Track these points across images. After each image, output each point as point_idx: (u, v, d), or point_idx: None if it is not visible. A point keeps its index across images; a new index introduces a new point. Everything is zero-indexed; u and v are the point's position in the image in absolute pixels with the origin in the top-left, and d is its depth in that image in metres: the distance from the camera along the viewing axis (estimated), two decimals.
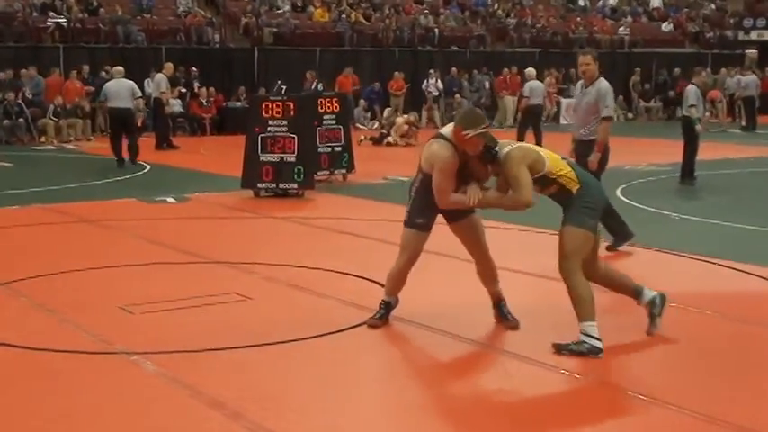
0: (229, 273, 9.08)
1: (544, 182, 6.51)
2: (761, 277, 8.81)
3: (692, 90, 16.05)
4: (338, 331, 6.96)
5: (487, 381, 6.23)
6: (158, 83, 22.40)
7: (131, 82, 19.28)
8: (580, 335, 6.40)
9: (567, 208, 6.54)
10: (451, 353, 6.62)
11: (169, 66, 23.85)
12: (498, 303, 7.17)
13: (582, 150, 9.89)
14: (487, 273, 7.09)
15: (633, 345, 6.70)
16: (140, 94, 20.02)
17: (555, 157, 6.65)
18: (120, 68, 19.73)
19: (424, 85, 30.45)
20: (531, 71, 22.14)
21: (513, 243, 9.98)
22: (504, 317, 7.14)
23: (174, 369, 6.11)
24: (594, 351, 6.34)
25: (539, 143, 20.08)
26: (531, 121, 21.09)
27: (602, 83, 9.97)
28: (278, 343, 6.67)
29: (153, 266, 9.31)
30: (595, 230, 6.67)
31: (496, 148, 6.48)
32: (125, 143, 18.79)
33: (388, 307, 7.11)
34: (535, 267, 8.72)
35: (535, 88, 21.31)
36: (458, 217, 6.92)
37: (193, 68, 27.37)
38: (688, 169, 15.95)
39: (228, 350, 6.51)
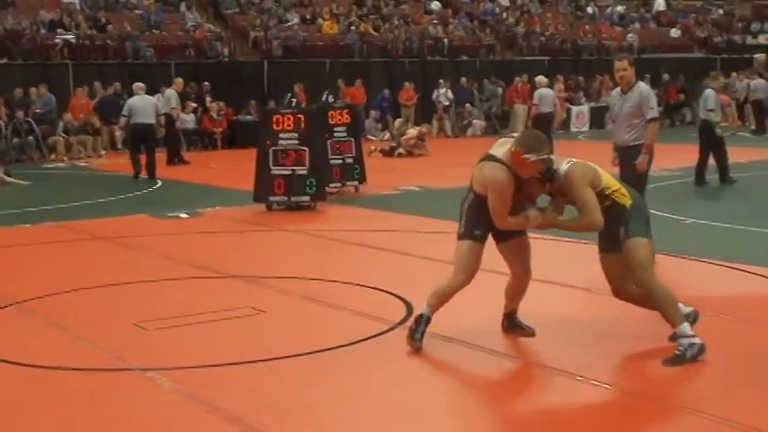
0: (243, 287, 9.05)
1: (599, 198, 6.49)
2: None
3: (710, 94, 16.19)
4: (354, 343, 6.92)
5: (509, 392, 6.18)
6: (168, 98, 22.39)
7: (154, 98, 19.80)
8: (681, 339, 6.37)
9: (624, 222, 6.51)
10: (470, 363, 6.57)
11: (179, 81, 23.89)
12: (514, 315, 7.13)
13: (628, 155, 9.80)
14: (520, 290, 7.03)
15: (654, 352, 6.63)
16: (162, 111, 20.21)
17: (605, 172, 6.67)
18: (141, 85, 19.85)
19: (434, 95, 30.44)
20: (541, 79, 22.13)
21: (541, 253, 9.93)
22: (519, 326, 7.10)
23: (190, 385, 6.08)
24: (702, 349, 6.35)
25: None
26: (542, 128, 21.05)
27: (642, 85, 9.99)
28: (293, 356, 6.63)
29: (166, 282, 9.29)
30: (652, 239, 6.70)
31: (555, 168, 6.44)
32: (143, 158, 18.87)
33: (427, 322, 6.75)
34: (561, 277, 8.66)
35: (545, 96, 21.30)
36: (509, 237, 6.78)
37: (205, 83, 27.40)
38: (722, 172, 16.21)
39: (244, 365, 6.48)
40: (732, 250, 10.20)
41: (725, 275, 9.22)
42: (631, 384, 6.12)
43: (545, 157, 6.36)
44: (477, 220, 6.63)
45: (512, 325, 7.12)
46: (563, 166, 6.47)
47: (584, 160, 6.66)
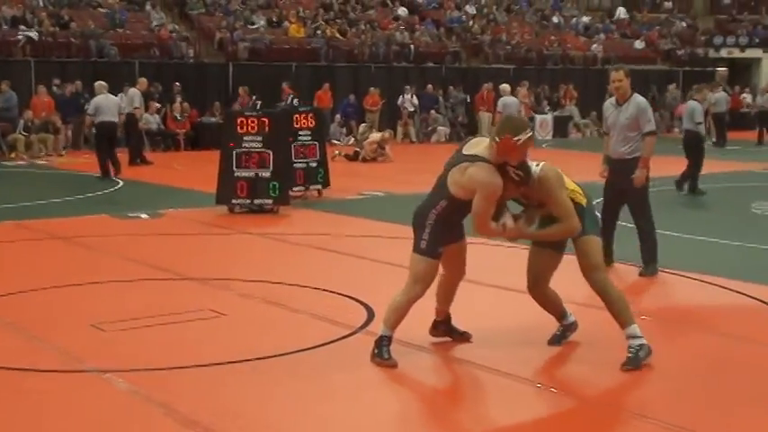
0: (204, 289, 9.00)
1: None
2: (737, 291, 8.82)
3: (697, 107, 16.50)
4: (314, 347, 6.90)
5: (466, 398, 6.18)
6: (132, 98, 22.23)
7: (116, 97, 19.89)
8: (631, 340, 6.46)
9: (582, 219, 6.55)
10: (429, 369, 6.57)
11: (143, 81, 23.76)
12: (449, 320, 7.08)
13: (624, 168, 9.60)
14: (452, 291, 6.97)
15: (614, 361, 6.67)
16: (124, 110, 20.31)
17: (567, 179, 6.70)
18: (104, 83, 19.83)
19: (399, 101, 30.46)
20: (505, 87, 22.24)
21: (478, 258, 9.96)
22: (457, 332, 7.07)
23: (147, 387, 6.03)
24: (650, 349, 6.45)
25: None
26: None
27: (639, 98, 9.77)
28: (253, 359, 6.60)
29: (125, 283, 9.21)
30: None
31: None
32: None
33: (390, 342, 6.56)
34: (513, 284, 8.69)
35: (509, 104, 21.44)
36: (460, 239, 6.72)
37: (176, 83, 27.21)
38: (693, 183, 16.43)
39: (203, 367, 6.43)
40: (692, 260, 10.28)
41: (685, 285, 9.29)
42: (585, 390, 6.13)
43: (531, 133, 6.36)
44: (443, 236, 6.48)
45: (449, 330, 7.06)
46: (534, 168, 6.46)
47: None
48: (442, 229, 6.45)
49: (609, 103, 10.01)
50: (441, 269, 6.75)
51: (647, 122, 9.63)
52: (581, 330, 7.15)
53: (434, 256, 6.50)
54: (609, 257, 9.56)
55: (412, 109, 30.45)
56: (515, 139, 6.19)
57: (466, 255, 6.83)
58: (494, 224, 6.41)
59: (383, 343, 6.55)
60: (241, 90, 26.61)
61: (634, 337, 6.48)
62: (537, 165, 6.51)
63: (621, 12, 44.13)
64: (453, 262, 6.78)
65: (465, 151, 6.44)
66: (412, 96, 30.53)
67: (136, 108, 22.18)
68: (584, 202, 6.64)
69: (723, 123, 29.85)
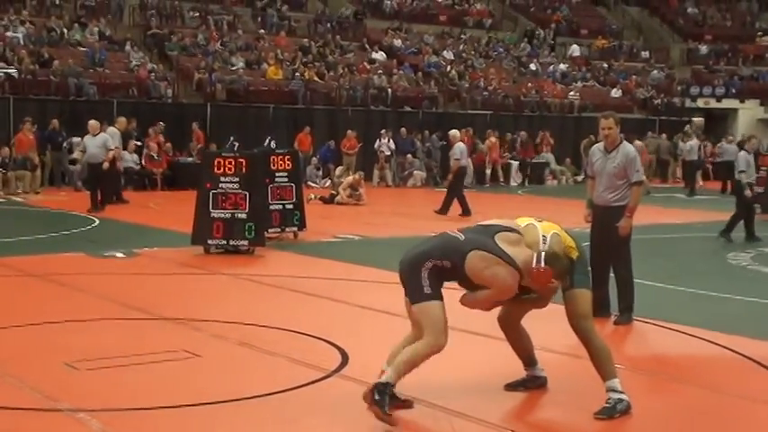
0: (178, 330, 8.97)
1: (562, 257, 6.56)
2: (711, 342, 8.86)
3: (742, 156, 16.90)
4: (287, 390, 6.88)
5: None
6: (111, 136, 22.22)
7: (106, 135, 20.52)
8: (611, 393, 6.47)
9: (571, 273, 6.55)
10: (404, 414, 6.56)
11: (122, 120, 23.81)
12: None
13: (609, 216, 9.59)
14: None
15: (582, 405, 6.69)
16: (112, 147, 20.63)
17: (560, 229, 6.72)
18: (96, 124, 20.50)
19: (376, 145, 30.60)
20: (455, 133, 22.20)
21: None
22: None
23: (120, 427, 6.00)
24: (629, 406, 6.47)
25: (463, 203, 20.26)
26: (461, 182, 21.24)
27: (629, 147, 9.79)
28: (226, 402, 6.57)
29: (100, 322, 9.17)
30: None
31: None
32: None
33: (392, 392, 6.20)
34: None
35: (464, 150, 21.53)
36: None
37: (160, 123, 27.25)
38: (749, 232, 16.95)
39: (175, 408, 6.41)
40: (667, 310, 10.32)
41: (659, 335, 9.33)
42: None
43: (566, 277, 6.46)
44: (439, 281, 6.34)
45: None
46: (540, 245, 6.44)
47: (546, 226, 6.67)
48: (438, 276, 6.34)
49: (597, 149, 9.97)
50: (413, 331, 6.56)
51: (636, 172, 9.62)
52: (560, 378, 7.16)
53: (441, 299, 6.32)
54: (605, 308, 9.58)
55: (388, 153, 30.56)
56: (553, 280, 6.33)
57: None
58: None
59: (386, 392, 6.14)
60: (195, 125, 26.96)
61: (614, 390, 6.48)
62: (543, 241, 6.48)
63: (575, 49, 44.61)
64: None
65: (498, 240, 6.35)
66: (389, 140, 30.66)
67: (115, 147, 22.16)
68: (575, 256, 6.62)
69: (693, 172, 30.16)
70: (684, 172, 31.94)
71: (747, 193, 16.82)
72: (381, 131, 30.80)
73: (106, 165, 19.96)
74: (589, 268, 6.79)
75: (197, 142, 27.59)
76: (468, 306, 6.57)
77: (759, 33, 48.17)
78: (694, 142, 31.21)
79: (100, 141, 20.09)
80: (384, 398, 6.07)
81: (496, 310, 6.96)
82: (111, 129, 22.61)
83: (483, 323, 7.64)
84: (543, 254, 6.30)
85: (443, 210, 20.32)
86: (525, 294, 6.61)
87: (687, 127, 37.47)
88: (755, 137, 21.71)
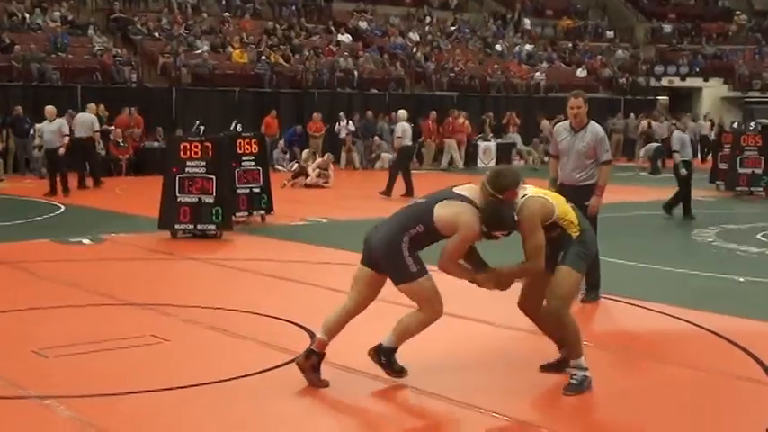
0: (146, 315, 8.94)
1: (552, 228, 6.58)
2: (678, 318, 8.94)
3: (676, 135, 17.18)
4: (256, 373, 6.88)
5: (411, 424, 6.20)
6: (92, 122, 22.66)
7: (62, 121, 20.84)
8: (576, 370, 6.53)
9: (566, 249, 6.60)
10: (372, 395, 6.58)
11: (92, 106, 23.73)
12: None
13: (578, 195, 9.27)
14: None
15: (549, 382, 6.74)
16: (68, 133, 20.85)
17: (560, 200, 6.75)
18: (52, 109, 20.71)
19: (336, 128, 30.53)
20: (402, 113, 22.24)
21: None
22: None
23: (88, 413, 5.98)
24: (590, 382, 6.53)
25: (408, 183, 20.36)
26: (404, 162, 21.23)
27: (597, 126, 9.74)
28: (195, 386, 6.56)
29: (67, 309, 9.12)
30: (584, 275, 6.86)
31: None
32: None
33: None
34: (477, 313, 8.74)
35: (407, 129, 21.46)
36: None
37: (132, 108, 27.15)
38: (685, 209, 17.18)
39: (144, 393, 6.39)
40: (634, 287, 10.41)
41: (626, 312, 9.40)
42: (526, 415, 6.18)
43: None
44: (419, 250, 6.48)
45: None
46: (519, 200, 6.48)
47: (538, 190, 6.70)
48: (415, 249, 6.45)
49: (562, 128, 9.86)
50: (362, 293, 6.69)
51: (605, 152, 9.63)
52: (526, 356, 7.20)
53: (426, 272, 6.46)
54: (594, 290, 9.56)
55: (346, 135, 30.45)
56: (516, 191, 6.40)
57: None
58: (459, 265, 6.58)
59: (392, 354, 6.64)
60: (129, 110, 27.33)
61: (580, 368, 6.55)
62: (523, 196, 6.51)
63: (527, 23, 44.66)
64: (372, 294, 6.74)
65: (457, 191, 6.52)
66: (347, 123, 30.56)
67: (96, 132, 22.85)
68: (574, 234, 6.61)
69: (659, 152, 30.44)
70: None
71: (682, 171, 17.00)
72: (340, 114, 30.74)
73: (62, 150, 20.22)
74: (588, 251, 6.67)
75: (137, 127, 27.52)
76: (444, 269, 6.56)
77: (737, 12, 48.47)
78: (666, 123, 31.62)
79: (56, 127, 20.38)
80: (390, 358, 6.62)
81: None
82: (90, 115, 22.82)
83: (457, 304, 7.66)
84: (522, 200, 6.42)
85: (388, 191, 20.41)
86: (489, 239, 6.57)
87: (658, 107, 37.78)
88: (689, 116, 22.02)
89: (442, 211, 6.38)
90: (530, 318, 7.08)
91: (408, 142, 21.54)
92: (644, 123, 34.21)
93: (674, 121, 29.29)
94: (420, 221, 6.43)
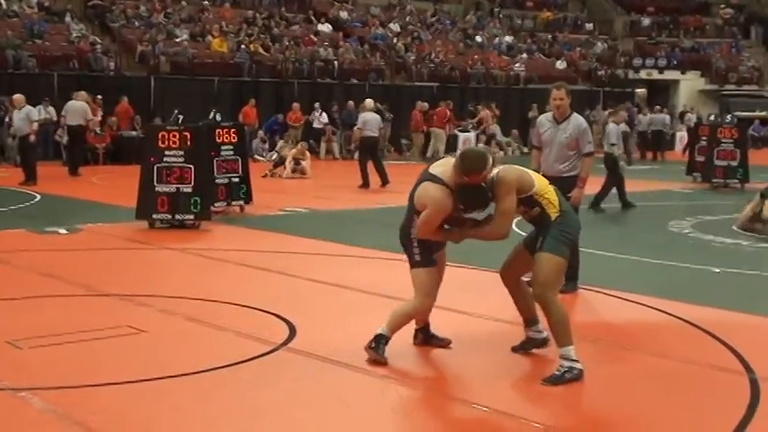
0: (123, 305, 8.87)
1: (530, 202, 6.61)
2: (655, 309, 8.95)
3: (612, 129, 16.95)
4: (235, 364, 6.83)
5: (386, 415, 6.17)
6: (85, 110, 22.92)
7: (29, 108, 20.75)
8: (563, 360, 6.52)
9: (544, 234, 6.63)
10: (350, 386, 6.55)
11: (83, 94, 23.73)
12: (428, 327, 7.32)
13: (560, 186, 9.34)
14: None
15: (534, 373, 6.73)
16: (36, 119, 20.89)
17: (543, 180, 6.80)
18: (21, 97, 20.75)
19: (310, 118, 30.46)
20: (368, 102, 22.13)
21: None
22: (435, 337, 7.31)
23: (64, 405, 5.91)
24: (580, 374, 6.50)
25: (381, 172, 20.36)
26: (368, 152, 21.13)
27: (580, 118, 9.75)
28: (172, 377, 6.51)
29: (42, 299, 9.04)
30: (568, 259, 6.83)
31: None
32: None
33: (387, 342, 6.90)
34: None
35: (369, 120, 21.21)
36: (439, 250, 7.00)
37: (98, 96, 27.04)
38: (621, 199, 17.19)
39: (121, 385, 6.33)
40: (612, 278, 10.42)
41: (604, 302, 9.41)
42: (504, 405, 6.17)
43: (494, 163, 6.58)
44: (431, 246, 6.84)
45: (426, 337, 7.29)
46: (496, 168, 6.57)
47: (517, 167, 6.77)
48: (426, 241, 6.81)
49: (545, 119, 9.89)
50: None
51: (588, 144, 9.65)
52: (499, 343, 7.19)
53: (431, 265, 6.88)
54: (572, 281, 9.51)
55: (320, 126, 30.33)
56: (485, 173, 6.44)
57: (444, 263, 7.13)
58: (435, 232, 6.78)
59: (382, 341, 6.86)
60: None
61: (567, 358, 6.52)
62: (500, 167, 6.62)
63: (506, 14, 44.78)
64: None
65: (431, 170, 6.79)
66: (321, 114, 30.42)
67: (89, 120, 23.28)
68: (553, 215, 6.63)
69: (628, 143, 30.50)
70: (641, 142, 32.96)
71: (622, 164, 17.06)
72: (315, 105, 30.67)
73: (32, 138, 20.31)
74: (569, 233, 6.70)
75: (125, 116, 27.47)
76: (421, 235, 6.79)
77: (722, 6, 48.67)
78: (650, 115, 31.81)
79: (24, 114, 20.39)
80: (379, 345, 6.83)
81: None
82: (79, 103, 22.98)
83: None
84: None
85: (364, 183, 20.44)
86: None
87: (638, 100, 37.89)
88: (624, 109, 22.01)
89: (416, 195, 6.76)
90: (508, 288, 7.14)
91: (371, 133, 21.05)
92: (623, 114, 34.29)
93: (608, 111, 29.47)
94: (412, 211, 6.83)
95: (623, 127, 18.00)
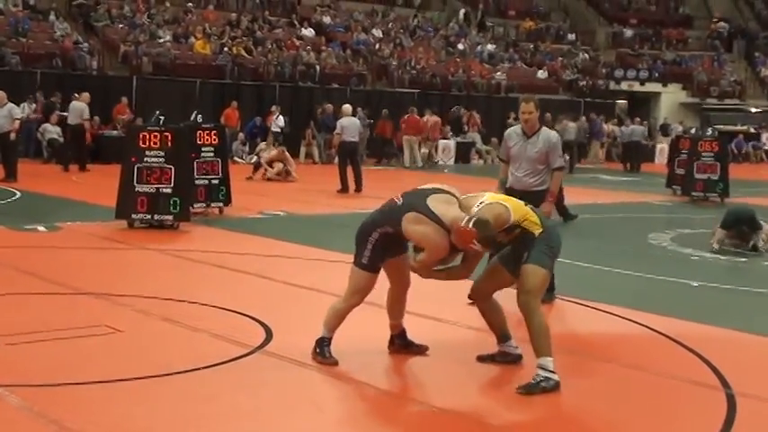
0: (100, 304, 8.88)
1: (508, 230, 6.68)
2: (633, 321, 9.02)
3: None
4: (210, 366, 6.86)
5: (362, 420, 6.22)
6: (82, 110, 23.25)
7: (11, 105, 20.68)
8: (540, 371, 6.54)
9: (529, 248, 6.68)
10: (323, 390, 6.59)
11: (85, 95, 24.04)
12: (404, 333, 7.36)
13: (529, 200, 9.18)
14: (401, 304, 7.28)
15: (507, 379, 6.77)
16: (18, 117, 20.90)
17: (517, 205, 6.83)
18: (2, 94, 20.62)
19: (268, 122, 30.00)
20: (346, 108, 22.14)
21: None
22: (410, 344, 7.36)
23: (39, 403, 5.93)
24: (556, 386, 6.53)
25: (357, 177, 20.41)
26: (347, 157, 21.14)
27: (550, 132, 9.63)
28: (148, 377, 6.53)
29: (19, 296, 9.03)
30: (552, 272, 6.95)
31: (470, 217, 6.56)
32: None
33: (329, 342, 7.04)
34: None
35: (347, 126, 21.18)
36: (400, 253, 7.06)
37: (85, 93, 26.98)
38: (565, 213, 16.68)
39: (97, 384, 6.35)
40: (589, 289, 10.47)
41: (581, 314, 9.47)
42: (478, 412, 6.22)
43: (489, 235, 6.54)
44: (383, 254, 6.92)
45: (404, 344, 7.33)
46: (474, 209, 6.62)
47: (495, 197, 6.91)
48: (383, 247, 6.89)
49: (514, 132, 9.68)
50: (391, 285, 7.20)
51: (558, 158, 9.55)
52: (468, 349, 7.24)
53: (374, 271, 6.97)
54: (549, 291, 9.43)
55: (278, 130, 29.56)
56: (475, 241, 6.43)
57: (408, 267, 7.12)
58: (432, 272, 6.93)
59: (324, 343, 7.00)
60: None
61: (543, 368, 6.54)
62: (478, 206, 6.66)
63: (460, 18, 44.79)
64: (397, 275, 7.16)
65: (430, 203, 6.67)
66: (277, 117, 29.79)
67: (86, 119, 23.52)
68: (536, 231, 6.70)
69: (572, 152, 30.44)
70: (624, 154, 33.49)
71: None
72: (272, 108, 30.13)
73: (13, 135, 20.31)
74: (553, 246, 6.77)
75: (119, 114, 27.44)
76: (418, 273, 6.95)
77: (714, 19, 48.96)
78: (571, 124, 31.79)
79: (6, 111, 20.32)
80: (323, 348, 6.98)
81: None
82: (80, 103, 23.33)
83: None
84: (475, 217, 6.46)
85: (343, 188, 20.47)
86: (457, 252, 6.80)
87: (619, 111, 38.13)
88: (563, 120, 21.93)
89: (410, 227, 6.67)
90: (478, 306, 7.22)
91: (349, 138, 20.92)
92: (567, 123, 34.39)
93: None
94: (389, 224, 6.82)
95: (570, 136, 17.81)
